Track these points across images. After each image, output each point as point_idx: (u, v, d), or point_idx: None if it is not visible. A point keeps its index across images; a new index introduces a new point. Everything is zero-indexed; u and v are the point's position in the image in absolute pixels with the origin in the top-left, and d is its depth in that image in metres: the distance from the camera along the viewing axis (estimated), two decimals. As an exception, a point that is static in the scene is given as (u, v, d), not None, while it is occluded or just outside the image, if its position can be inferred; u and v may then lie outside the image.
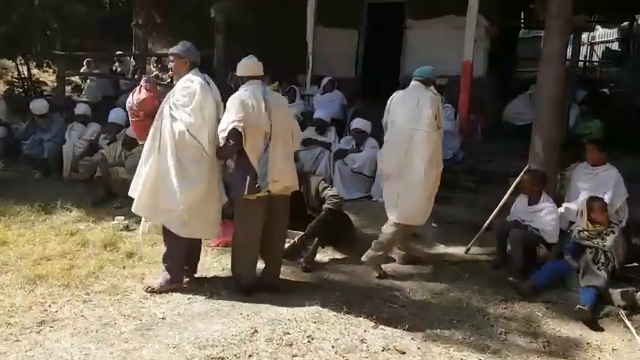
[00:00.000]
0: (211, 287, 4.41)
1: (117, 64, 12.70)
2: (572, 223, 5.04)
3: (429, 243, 5.80)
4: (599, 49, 16.82)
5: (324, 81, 9.34)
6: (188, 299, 4.21)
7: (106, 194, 6.74)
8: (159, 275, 4.39)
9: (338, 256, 5.34)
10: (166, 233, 4.29)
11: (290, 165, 4.29)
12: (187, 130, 4.05)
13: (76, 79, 13.01)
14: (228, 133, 4.00)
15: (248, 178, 4.05)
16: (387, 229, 4.91)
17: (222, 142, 4.09)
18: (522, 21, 12.41)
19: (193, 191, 4.16)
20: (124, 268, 4.74)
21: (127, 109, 4.66)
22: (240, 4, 9.44)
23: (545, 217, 4.95)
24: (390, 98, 5.08)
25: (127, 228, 5.76)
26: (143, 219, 4.46)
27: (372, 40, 11.22)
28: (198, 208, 4.24)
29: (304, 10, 10.70)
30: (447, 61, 10.65)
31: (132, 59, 12.62)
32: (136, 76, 12.32)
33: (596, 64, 16.50)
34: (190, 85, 4.12)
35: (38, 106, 7.75)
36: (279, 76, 10.88)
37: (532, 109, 9.96)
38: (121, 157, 6.86)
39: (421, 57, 10.70)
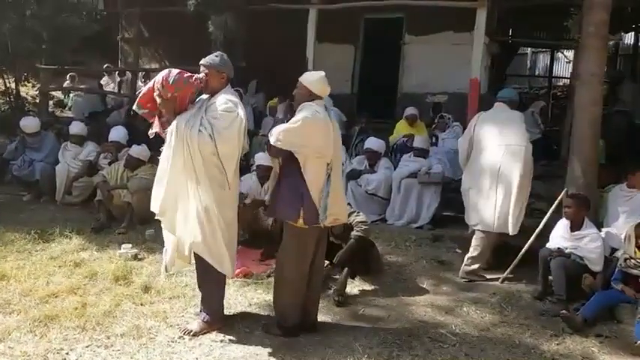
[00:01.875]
0: (244, 326, 4.02)
1: (105, 78, 12.17)
2: (614, 249, 4.81)
3: (456, 271, 5.49)
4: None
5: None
6: (221, 341, 3.81)
7: (106, 219, 6.28)
8: (197, 317, 3.98)
9: (367, 287, 5.00)
10: (205, 271, 3.85)
11: (344, 197, 3.94)
12: (217, 153, 3.65)
13: (58, 94, 12.44)
14: (285, 151, 3.67)
15: (306, 206, 3.68)
16: (478, 242, 5.28)
17: (272, 139, 3.71)
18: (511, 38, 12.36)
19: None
20: (142, 304, 4.31)
21: (157, 84, 3.73)
22: (238, 18, 9.09)
23: (589, 244, 4.71)
24: (475, 118, 5.51)
25: (135, 257, 5.32)
26: (167, 252, 3.95)
27: (369, 56, 11.01)
28: (232, 239, 3.87)
29: (301, 24, 10.44)
30: (446, 77, 10.53)
31: (117, 74, 12.11)
32: (122, 92, 11.87)
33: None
34: (232, 107, 3.72)
35: (29, 123, 7.23)
36: (276, 91, 10.59)
37: (535, 126, 10.03)
38: (123, 178, 6.40)
39: (420, 73, 10.58)
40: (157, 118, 3.84)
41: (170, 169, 3.70)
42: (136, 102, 3.88)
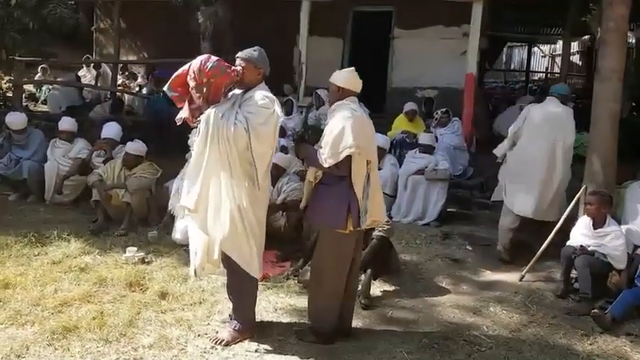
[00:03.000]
0: (277, 334, 3.84)
1: (83, 70, 11.67)
2: (636, 246, 4.81)
3: (472, 269, 5.45)
4: (560, 61, 17.25)
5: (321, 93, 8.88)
6: (256, 351, 3.63)
7: (103, 220, 5.96)
8: (226, 325, 3.78)
9: (387, 288, 4.88)
10: (234, 275, 3.64)
11: (382, 196, 3.80)
12: (251, 149, 3.45)
13: (29, 87, 11.87)
14: (341, 158, 3.49)
15: (351, 210, 3.54)
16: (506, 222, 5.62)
17: (325, 164, 3.54)
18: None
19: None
20: (162, 312, 4.08)
21: (194, 67, 3.48)
22: (227, 10, 8.80)
23: (612, 241, 4.70)
24: (527, 109, 5.73)
25: (143, 261, 5.05)
26: (196, 255, 3.67)
27: (358, 50, 10.87)
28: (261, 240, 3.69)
29: (290, 16, 10.22)
30: (436, 72, 10.49)
31: (93, 67, 11.64)
32: (99, 84, 11.42)
33: (557, 75, 16.89)
34: (269, 103, 3.52)
35: (15, 120, 6.80)
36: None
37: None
38: (120, 177, 6.08)
39: (409, 68, 10.52)
40: (186, 103, 3.61)
41: (206, 160, 3.48)
42: (168, 83, 3.63)
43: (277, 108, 3.55)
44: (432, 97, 10.16)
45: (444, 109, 8.19)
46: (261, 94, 3.56)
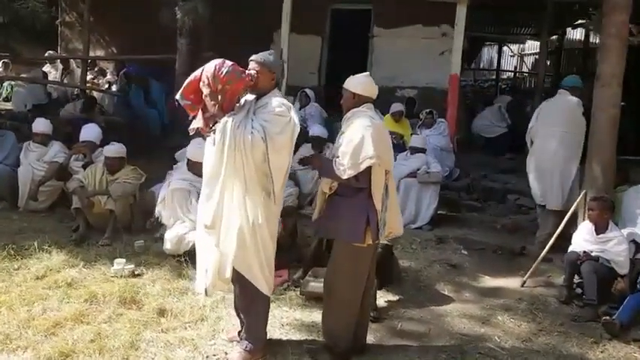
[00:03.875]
0: (291, 352, 3.66)
1: (48, 66, 11.10)
2: (637, 251, 4.83)
3: (471, 275, 5.38)
4: (528, 61, 17.54)
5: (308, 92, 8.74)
6: (270, 371, 3.44)
7: (85, 229, 5.63)
8: (235, 345, 3.57)
9: (391, 297, 4.75)
10: (245, 292, 3.43)
11: (398, 207, 3.66)
12: (268, 161, 3.25)
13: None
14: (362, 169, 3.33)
15: (370, 223, 3.40)
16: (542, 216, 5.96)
17: (344, 175, 3.36)
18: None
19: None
20: (164, 331, 3.84)
21: (207, 72, 3.26)
22: (207, 6, 8.48)
23: (615, 247, 4.69)
24: (538, 108, 6.10)
25: (133, 274, 4.77)
26: (207, 273, 3.43)
27: (337, 48, 10.71)
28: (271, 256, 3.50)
29: (267, 13, 9.97)
30: (415, 72, 10.45)
31: (60, 62, 11.10)
32: (65, 81, 10.90)
33: (526, 74, 17.18)
34: (285, 111, 3.32)
35: (-16, 121, 6.37)
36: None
37: (502, 121, 10.16)
38: (102, 183, 5.75)
39: (389, 67, 10.42)
40: (200, 112, 3.37)
41: (224, 173, 3.26)
42: (180, 91, 3.39)
43: (294, 116, 3.36)
44: (412, 96, 10.12)
45: (428, 110, 8.13)
46: (278, 101, 3.37)
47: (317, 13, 10.47)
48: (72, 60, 11.04)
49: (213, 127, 3.33)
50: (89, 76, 10.68)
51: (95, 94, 10.06)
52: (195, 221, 4.95)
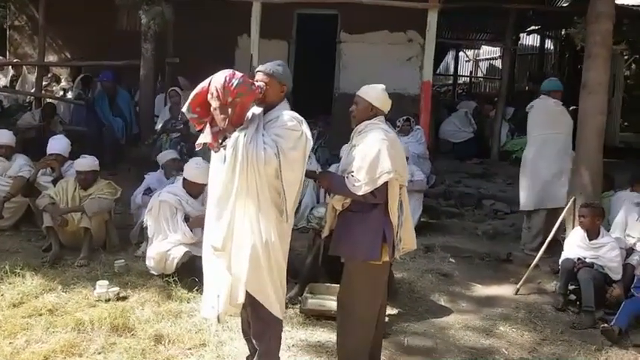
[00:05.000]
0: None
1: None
2: (627, 255, 4.91)
3: (463, 284, 5.36)
4: (483, 66, 17.93)
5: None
6: (286, 400, 3.25)
7: (58, 249, 5.26)
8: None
9: (390, 310, 4.62)
10: (259, 318, 3.22)
11: (412, 222, 3.54)
12: (281, 177, 3.08)
13: None
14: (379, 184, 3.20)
15: (387, 240, 3.28)
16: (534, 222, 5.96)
17: (359, 192, 3.22)
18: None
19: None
20: (164, 360, 3.58)
21: (216, 84, 3.03)
22: (172, 10, 8.17)
23: (608, 253, 4.76)
24: (528, 108, 6.17)
25: (118, 297, 4.47)
26: (220, 298, 3.15)
27: (304, 54, 10.56)
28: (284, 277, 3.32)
29: (229, 17, 9.73)
30: (383, 78, 10.29)
31: (11, 68, 10.48)
32: (16, 88, 10.28)
33: (481, 79, 17.55)
34: (297, 125, 3.15)
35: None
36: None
37: (468, 126, 10.28)
38: (75, 199, 5.39)
39: (356, 73, 10.30)
40: (208, 126, 3.16)
41: (235, 191, 3.06)
42: (187, 104, 3.16)
43: (306, 130, 3.20)
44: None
45: (405, 117, 8.09)
46: (289, 115, 3.19)
47: (282, 17, 10.26)
48: (23, 66, 10.43)
49: (223, 143, 3.12)
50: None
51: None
52: (178, 241, 4.77)
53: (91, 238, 5.30)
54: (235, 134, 3.07)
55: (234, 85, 3.03)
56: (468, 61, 17.88)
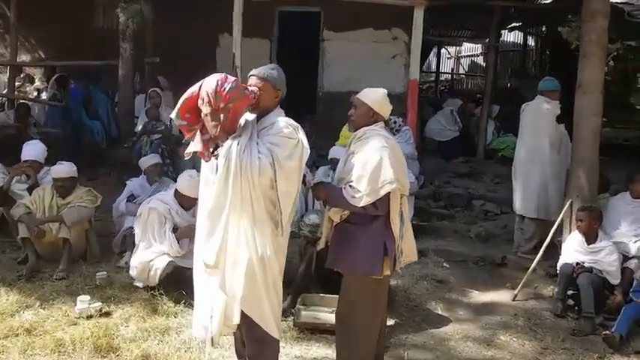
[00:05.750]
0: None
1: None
2: (624, 259, 4.81)
3: (459, 290, 5.22)
4: (465, 62, 17.88)
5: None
6: None
7: (35, 261, 4.98)
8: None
9: (387, 321, 4.46)
10: (254, 339, 3.02)
11: (412, 233, 3.37)
12: (276, 188, 2.89)
13: None
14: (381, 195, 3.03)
15: (388, 253, 3.13)
16: (527, 226, 5.85)
17: (360, 203, 3.04)
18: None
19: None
20: (154, 384, 3.36)
21: (208, 89, 2.83)
22: (151, 8, 7.87)
23: (607, 257, 4.67)
24: (521, 110, 5.99)
25: (100, 312, 4.22)
26: (213, 319, 2.93)
27: (287, 52, 10.33)
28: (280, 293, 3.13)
29: (209, 15, 9.46)
30: (368, 76, 10.20)
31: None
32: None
33: (463, 76, 17.50)
34: (293, 133, 2.96)
35: None
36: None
37: (454, 124, 10.17)
38: (52, 208, 5.12)
39: (341, 71, 10.15)
40: (198, 134, 2.94)
41: (228, 204, 2.86)
42: (176, 110, 2.94)
43: (303, 137, 3.01)
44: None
45: (392, 117, 7.92)
46: (284, 122, 3.00)
47: (264, 15, 10.02)
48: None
49: (215, 152, 2.91)
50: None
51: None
52: (162, 251, 4.53)
53: (70, 249, 5.04)
54: (228, 142, 2.87)
55: (227, 89, 2.83)
56: (450, 58, 17.82)
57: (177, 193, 4.64)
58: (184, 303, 4.37)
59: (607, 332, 4.21)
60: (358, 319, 3.21)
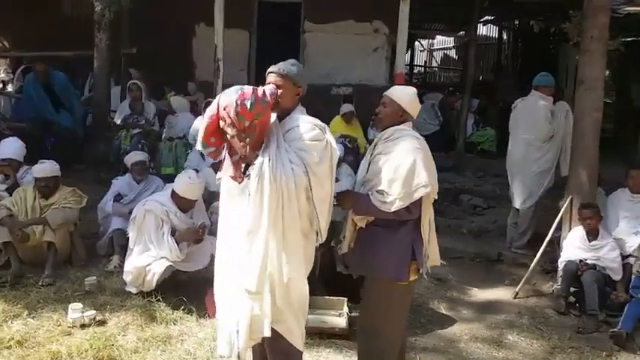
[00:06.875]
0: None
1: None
2: (624, 256, 4.82)
3: (459, 288, 5.17)
4: (437, 56, 17.92)
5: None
6: None
7: (19, 267, 4.68)
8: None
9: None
10: (279, 351, 2.85)
11: (435, 238, 3.25)
12: (312, 197, 2.73)
13: None
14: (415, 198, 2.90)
15: (417, 257, 3.02)
16: (522, 220, 5.86)
17: (392, 208, 2.90)
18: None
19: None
20: (163, 399, 3.17)
21: (228, 109, 2.64)
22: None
23: (609, 253, 4.68)
24: (514, 107, 5.95)
25: (95, 321, 3.98)
26: (239, 335, 2.74)
27: (267, 44, 10.08)
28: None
29: (189, 6, 9.14)
30: (349, 68, 10.12)
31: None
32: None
33: (436, 69, 17.54)
34: (320, 134, 2.78)
35: None
36: (165, 82, 9.18)
37: (435, 118, 10.16)
38: (35, 210, 4.81)
39: (322, 64, 9.99)
40: (227, 156, 2.76)
41: (267, 223, 2.66)
42: (200, 141, 2.75)
43: (330, 138, 2.84)
44: (349, 93, 9.79)
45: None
46: (309, 123, 2.81)
47: (242, 5, 9.75)
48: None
49: (247, 173, 2.72)
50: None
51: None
52: (162, 255, 4.30)
53: (55, 253, 4.75)
54: (259, 160, 2.67)
55: (249, 106, 2.62)
56: (423, 51, 17.84)
57: (174, 195, 4.40)
58: (183, 309, 4.17)
59: (614, 330, 4.20)
60: (384, 327, 3.08)
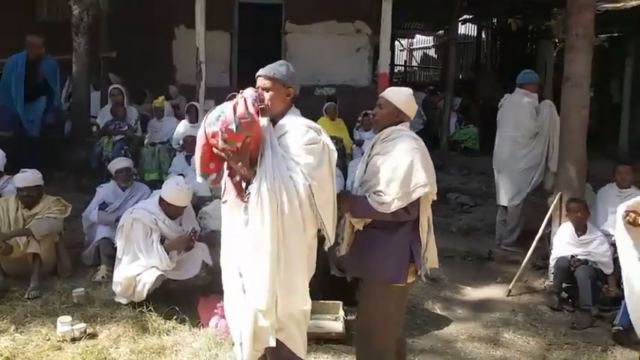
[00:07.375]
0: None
1: None
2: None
3: (452, 287, 5.17)
4: (417, 55, 17.98)
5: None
6: None
7: (3, 280, 4.54)
8: None
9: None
10: (281, 359, 2.80)
11: (434, 240, 3.21)
12: (315, 204, 2.67)
13: None
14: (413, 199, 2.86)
15: (415, 259, 2.97)
16: (511, 217, 5.87)
17: (390, 208, 2.86)
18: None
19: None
20: (160, 414, 3.08)
21: (217, 137, 2.59)
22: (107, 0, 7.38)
23: (599, 248, 4.71)
24: (499, 104, 5.99)
25: (85, 334, 3.87)
26: (242, 347, 2.70)
27: (248, 45, 10.00)
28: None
29: (168, 8, 9.02)
30: (332, 69, 10.09)
31: None
32: None
33: (416, 68, 17.60)
34: (316, 136, 2.72)
35: None
36: (146, 85, 9.03)
37: (418, 117, 10.16)
38: (18, 220, 4.68)
39: (304, 64, 9.90)
40: (227, 179, 2.72)
41: (270, 239, 2.61)
42: (200, 171, 2.72)
43: (326, 139, 2.78)
44: (332, 94, 9.75)
45: (365, 112, 7.81)
46: (303, 125, 2.75)
47: (223, 7, 9.66)
48: None
49: (247, 192, 2.65)
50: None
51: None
52: (151, 265, 4.20)
53: (40, 265, 4.62)
54: (258, 176, 2.61)
55: (235, 130, 2.55)
56: (402, 50, 17.90)
57: (162, 202, 4.30)
58: (176, 319, 4.08)
59: (617, 328, 4.20)
60: (381, 330, 3.03)
